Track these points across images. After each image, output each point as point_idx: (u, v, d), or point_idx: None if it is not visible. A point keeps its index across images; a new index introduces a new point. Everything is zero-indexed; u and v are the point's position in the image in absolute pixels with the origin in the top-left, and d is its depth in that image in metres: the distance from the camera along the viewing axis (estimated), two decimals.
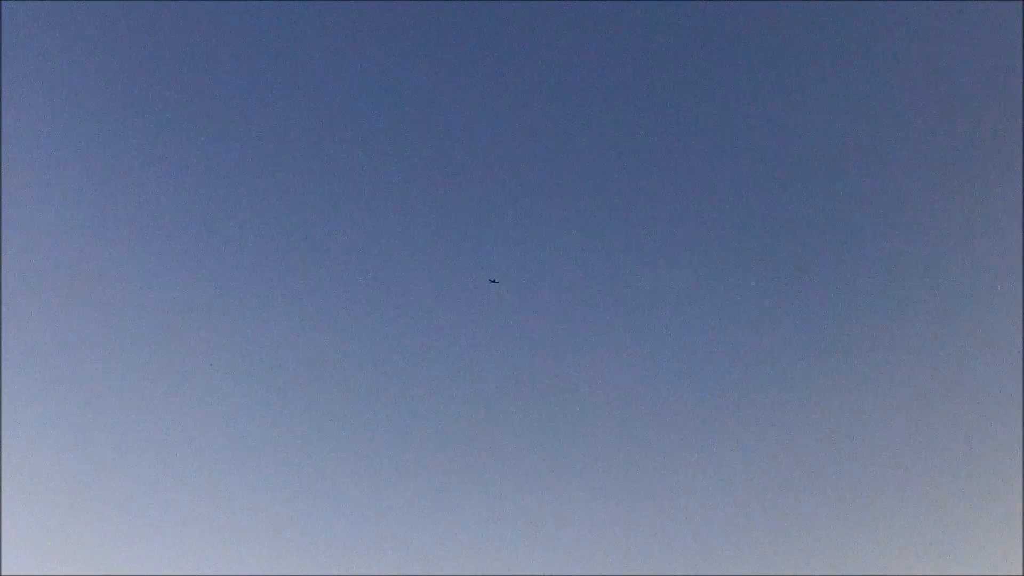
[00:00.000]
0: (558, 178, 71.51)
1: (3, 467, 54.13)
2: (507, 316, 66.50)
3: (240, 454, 59.25)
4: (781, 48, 71.78)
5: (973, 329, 61.47)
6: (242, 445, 59.61)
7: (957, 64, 68.34)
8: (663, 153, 71.76)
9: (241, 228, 68.17)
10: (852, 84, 69.91)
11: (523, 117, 72.96)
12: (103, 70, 68.86)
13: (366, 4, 72.05)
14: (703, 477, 58.86)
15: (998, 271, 61.95)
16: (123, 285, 64.46)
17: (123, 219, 66.64)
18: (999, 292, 61.20)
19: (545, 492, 58.85)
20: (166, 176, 68.51)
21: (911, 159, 67.94)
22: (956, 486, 55.74)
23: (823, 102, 70.46)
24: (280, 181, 70.08)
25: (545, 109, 73.14)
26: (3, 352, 57.88)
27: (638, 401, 62.80)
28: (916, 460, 57.44)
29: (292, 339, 65.19)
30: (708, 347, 64.63)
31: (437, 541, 56.25)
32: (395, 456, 60.42)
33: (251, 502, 57.25)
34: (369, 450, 60.55)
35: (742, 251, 67.87)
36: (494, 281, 60.90)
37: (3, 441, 54.99)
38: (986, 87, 66.97)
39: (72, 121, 67.15)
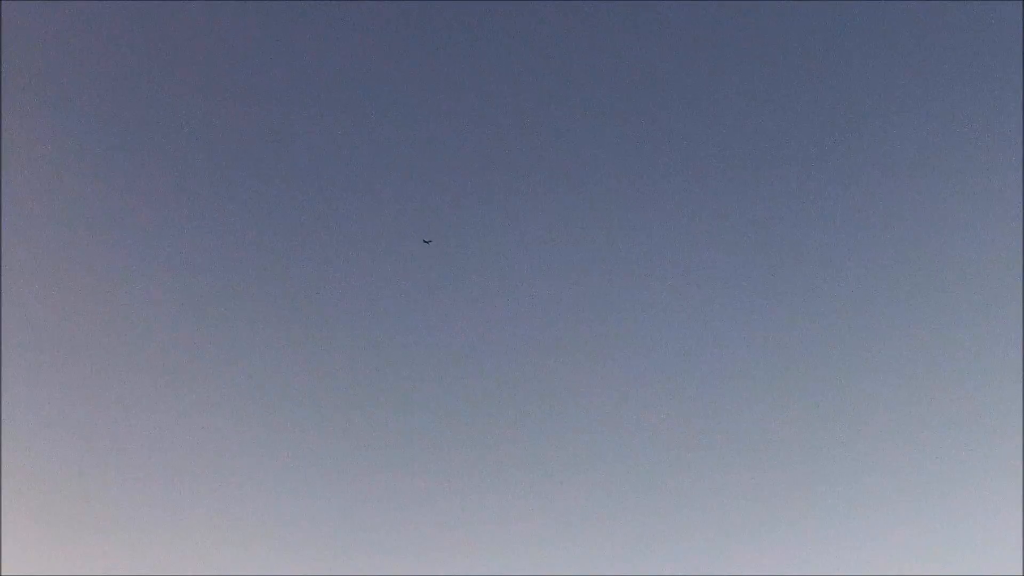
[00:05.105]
0: (556, 176, 71.62)
1: (3, 467, 54.18)
2: (507, 314, 66.63)
3: (240, 453, 59.35)
4: (779, 47, 71.87)
5: (973, 329, 61.59)
6: (242, 444, 59.70)
7: (957, 64, 68.46)
8: (663, 151, 71.85)
9: (240, 227, 68.26)
10: (851, 84, 70.03)
11: (521, 114, 73.06)
12: (103, 70, 68.95)
13: (366, 4, 72.14)
14: (702, 476, 58.97)
15: (998, 271, 62.02)
16: (123, 284, 64.60)
17: (123, 218, 66.73)
18: (999, 292, 61.27)
19: (544, 492, 58.99)
20: (166, 175, 68.63)
21: (910, 159, 68.05)
22: (956, 486, 55.84)
23: (822, 102, 70.56)
24: (279, 180, 70.15)
25: (542, 106, 73.23)
26: (3, 352, 57.92)
27: (637, 400, 62.93)
28: (916, 460, 57.53)
29: (292, 339, 65.32)
30: (706, 346, 64.76)
31: (436, 541, 56.34)
32: (394, 456, 60.54)
33: (252, 501, 57.33)
34: (368, 450, 60.64)
35: (740, 250, 67.96)
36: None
37: (3, 441, 55.03)
38: (986, 87, 67.09)
39: (72, 121, 67.25)
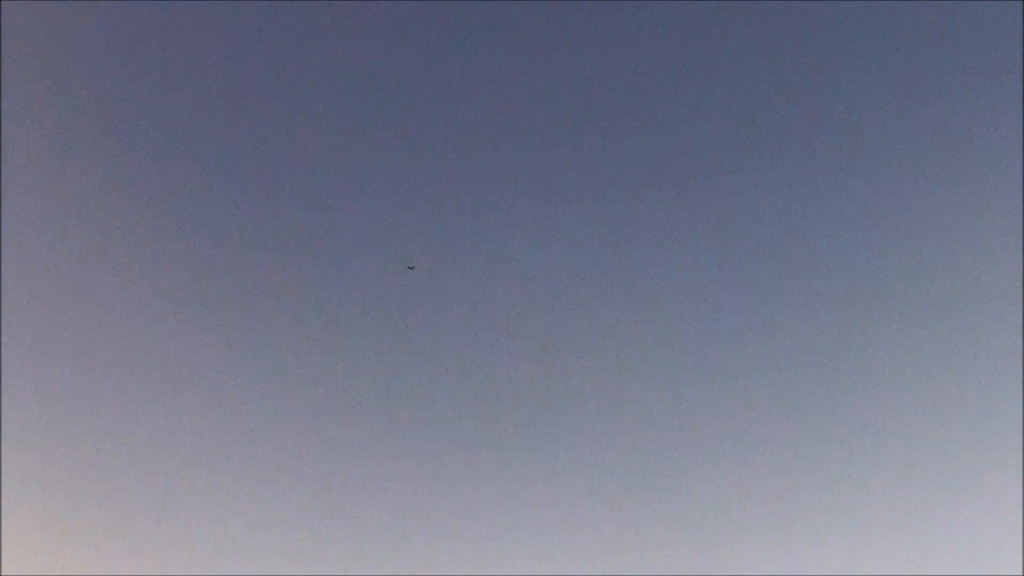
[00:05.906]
0: (555, 176, 71.59)
1: (3, 467, 54.18)
2: (507, 314, 66.63)
3: (241, 453, 59.34)
4: (778, 47, 71.86)
5: (973, 329, 61.58)
6: (243, 444, 59.70)
7: (957, 64, 68.46)
8: (663, 151, 71.84)
9: (241, 227, 68.27)
10: (850, 84, 70.03)
11: (521, 114, 73.06)
12: (103, 70, 68.96)
13: (366, 4, 72.10)
14: (702, 476, 58.98)
15: (998, 271, 62.03)
16: (122, 284, 64.61)
17: (123, 218, 66.74)
18: (999, 292, 61.28)
19: (545, 492, 59.00)
20: (164, 176, 68.63)
21: (909, 159, 68.04)
22: (956, 486, 55.86)
23: (821, 102, 70.54)
24: (279, 181, 70.15)
25: (541, 106, 73.21)
26: (3, 352, 57.94)
27: (637, 400, 62.94)
28: (916, 460, 57.53)
29: (292, 340, 65.31)
30: (706, 346, 64.77)
31: (436, 541, 56.37)
32: (393, 456, 60.58)
33: (252, 501, 57.35)
34: (366, 451, 60.66)
35: (739, 250, 67.96)
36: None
37: (3, 441, 55.05)
38: (986, 87, 67.09)
39: (72, 121, 67.26)
